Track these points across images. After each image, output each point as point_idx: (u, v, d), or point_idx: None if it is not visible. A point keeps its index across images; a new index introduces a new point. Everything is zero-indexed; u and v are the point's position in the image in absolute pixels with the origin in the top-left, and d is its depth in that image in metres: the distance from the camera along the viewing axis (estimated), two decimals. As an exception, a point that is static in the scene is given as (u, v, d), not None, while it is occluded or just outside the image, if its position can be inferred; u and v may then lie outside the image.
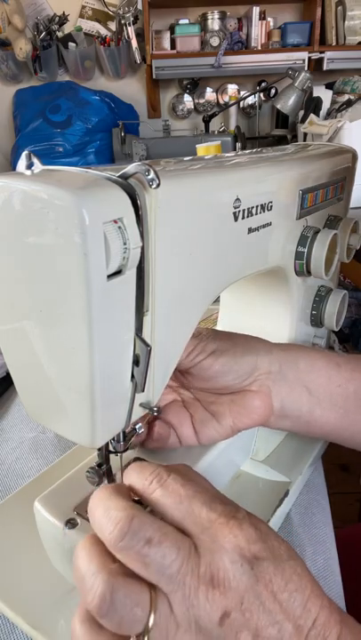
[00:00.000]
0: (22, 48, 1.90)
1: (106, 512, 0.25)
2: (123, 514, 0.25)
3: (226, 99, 2.18)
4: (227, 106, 2.06)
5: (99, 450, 0.34)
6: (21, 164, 0.27)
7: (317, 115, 1.66)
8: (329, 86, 1.85)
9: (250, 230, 0.35)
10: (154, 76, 1.95)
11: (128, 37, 1.94)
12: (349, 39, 1.91)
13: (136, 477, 0.28)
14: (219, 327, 0.54)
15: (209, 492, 0.27)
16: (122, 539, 0.24)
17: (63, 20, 1.97)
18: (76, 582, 0.25)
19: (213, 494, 0.27)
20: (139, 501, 0.28)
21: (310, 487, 0.47)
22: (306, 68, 1.88)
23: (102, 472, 0.34)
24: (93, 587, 0.24)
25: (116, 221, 0.23)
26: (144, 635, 0.23)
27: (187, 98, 2.18)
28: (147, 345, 0.27)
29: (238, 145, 1.75)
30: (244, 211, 0.33)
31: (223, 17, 1.95)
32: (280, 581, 0.25)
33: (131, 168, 0.24)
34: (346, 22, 1.87)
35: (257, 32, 1.96)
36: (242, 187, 0.33)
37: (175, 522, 0.26)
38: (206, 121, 1.92)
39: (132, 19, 1.90)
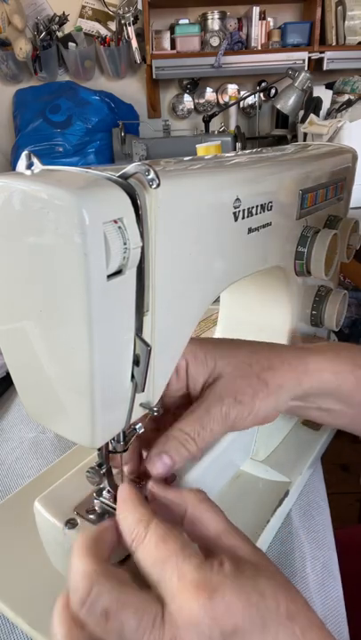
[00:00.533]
0: (22, 48, 1.90)
1: (73, 574, 0.25)
2: (82, 583, 0.24)
3: (226, 99, 2.18)
4: (227, 106, 2.06)
5: (99, 450, 0.34)
6: (21, 163, 0.27)
7: (317, 115, 1.66)
8: (329, 86, 1.85)
9: (250, 230, 0.35)
10: (154, 76, 1.95)
11: (128, 37, 1.94)
12: (349, 39, 1.91)
13: (124, 525, 0.27)
14: (219, 327, 0.54)
15: (188, 550, 0.25)
16: (82, 608, 0.24)
17: (63, 19, 1.97)
18: None
19: (195, 551, 0.25)
20: None
21: (310, 487, 0.47)
22: (306, 68, 1.88)
23: (102, 472, 0.34)
24: None
25: (116, 221, 0.23)
26: None
27: (187, 98, 2.18)
28: (147, 345, 0.27)
29: (238, 145, 1.75)
30: (244, 211, 0.33)
31: (223, 17, 1.95)
32: None
33: (131, 168, 0.24)
34: (346, 22, 1.87)
35: (257, 32, 1.96)
36: (242, 187, 0.33)
37: (153, 585, 0.25)
38: (206, 121, 1.92)
39: (132, 19, 1.90)
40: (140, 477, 0.36)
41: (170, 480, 0.37)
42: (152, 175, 0.24)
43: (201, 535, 0.27)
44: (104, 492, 0.34)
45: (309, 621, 0.25)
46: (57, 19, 1.96)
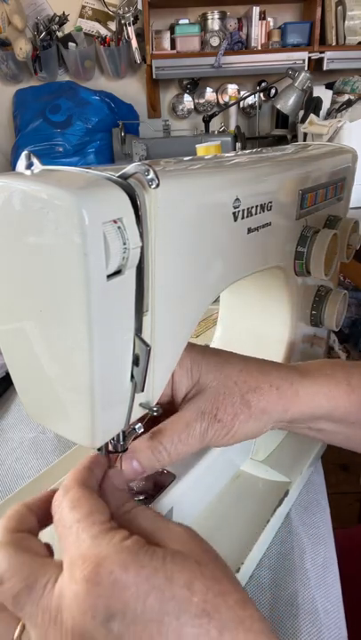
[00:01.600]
0: (22, 48, 1.90)
1: None
2: None
3: (226, 99, 2.18)
4: (227, 106, 2.06)
5: (99, 450, 0.34)
6: (21, 163, 0.27)
7: (317, 115, 1.67)
8: (329, 86, 1.85)
9: (249, 230, 0.35)
10: (154, 76, 1.95)
11: (128, 37, 1.94)
12: (349, 39, 1.91)
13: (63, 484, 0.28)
14: (218, 327, 0.54)
15: (93, 517, 0.25)
16: None
17: (63, 19, 1.97)
18: None
19: (101, 520, 0.25)
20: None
21: (310, 487, 0.47)
22: (306, 68, 1.88)
23: (102, 472, 0.34)
24: None
25: (115, 221, 0.23)
26: None
27: (187, 98, 2.18)
28: (147, 345, 0.27)
29: (238, 145, 1.75)
30: (243, 211, 0.33)
31: (223, 17, 1.95)
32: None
33: (130, 168, 0.24)
34: (346, 22, 1.87)
35: (257, 32, 1.96)
36: (242, 187, 0.33)
37: (60, 544, 0.25)
38: (206, 121, 1.92)
39: (132, 19, 1.90)
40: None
41: (168, 480, 0.37)
42: (152, 175, 0.24)
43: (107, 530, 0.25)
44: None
45: (236, 621, 0.22)
46: (57, 19, 1.96)
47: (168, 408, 0.36)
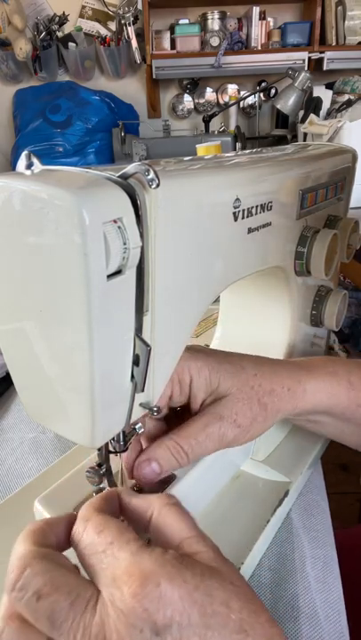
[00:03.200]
0: (22, 48, 1.90)
1: (11, 557, 0.24)
2: (17, 563, 0.23)
3: (226, 99, 2.18)
4: (227, 106, 2.06)
5: (99, 450, 0.34)
6: (21, 163, 0.27)
7: (317, 115, 1.66)
8: (329, 86, 1.85)
9: (250, 230, 0.35)
10: (154, 76, 1.95)
11: (128, 37, 1.94)
12: (349, 39, 1.91)
13: (82, 510, 0.26)
14: (219, 327, 0.54)
15: (126, 536, 0.24)
16: (14, 589, 0.23)
17: (63, 19, 1.97)
18: None
19: (134, 537, 0.24)
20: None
21: (310, 487, 0.47)
22: (306, 68, 1.88)
23: (102, 472, 0.34)
24: None
25: (115, 221, 0.23)
26: None
27: (187, 98, 2.18)
28: (147, 345, 0.27)
29: (238, 145, 1.75)
30: (243, 211, 0.33)
31: (223, 17, 1.95)
32: None
33: (131, 168, 0.24)
34: (346, 22, 1.87)
35: (257, 32, 1.96)
36: (242, 187, 0.33)
37: (89, 567, 0.24)
38: (206, 121, 1.92)
39: (132, 19, 1.90)
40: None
41: (168, 480, 0.37)
42: (152, 175, 0.24)
43: (164, 541, 0.25)
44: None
45: (267, 637, 0.22)
46: (57, 19, 1.96)
47: (182, 410, 0.37)
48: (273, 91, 2.07)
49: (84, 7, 2.04)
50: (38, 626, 0.22)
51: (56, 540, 0.26)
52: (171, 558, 0.23)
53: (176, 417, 0.37)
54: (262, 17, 1.96)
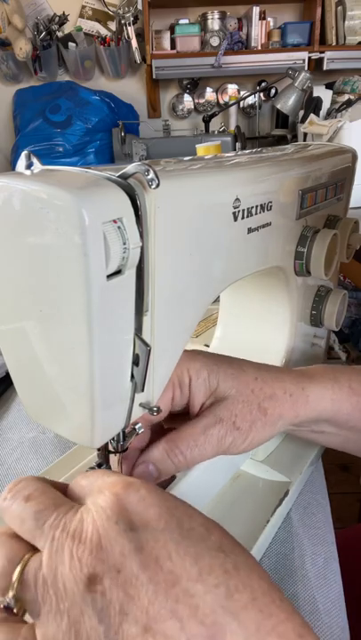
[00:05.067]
0: (22, 48, 1.90)
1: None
2: (10, 484, 0.25)
3: (226, 99, 2.18)
4: (227, 106, 2.06)
5: (98, 450, 0.34)
6: (21, 163, 0.27)
7: (317, 115, 1.67)
8: (329, 86, 1.85)
9: (249, 230, 0.35)
10: (154, 76, 1.95)
11: (128, 37, 1.94)
12: (349, 39, 1.91)
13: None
14: (219, 327, 0.54)
15: (112, 472, 0.26)
16: (6, 497, 0.24)
17: (63, 19, 1.97)
18: None
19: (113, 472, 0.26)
20: None
21: (310, 487, 0.47)
22: (306, 68, 1.88)
23: (102, 472, 0.34)
24: None
25: (115, 221, 0.23)
26: (9, 589, 0.22)
27: (187, 98, 2.18)
28: (147, 345, 0.27)
29: (238, 145, 1.75)
30: (243, 211, 0.33)
31: (223, 17, 1.95)
32: (189, 568, 0.20)
33: (130, 168, 0.24)
34: (346, 22, 1.87)
35: (257, 32, 1.96)
36: (242, 187, 0.33)
37: (75, 497, 0.25)
38: (206, 121, 1.92)
39: (132, 19, 1.90)
40: None
41: (168, 480, 0.37)
42: (152, 175, 0.24)
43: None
44: None
45: (250, 565, 0.22)
46: (57, 19, 1.96)
47: (181, 412, 0.37)
48: (273, 91, 2.07)
49: (84, 7, 2.04)
50: (23, 527, 0.23)
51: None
52: (153, 487, 0.24)
53: (174, 422, 0.37)
54: (262, 17, 1.97)
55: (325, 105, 1.77)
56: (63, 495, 0.25)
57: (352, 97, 1.73)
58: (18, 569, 0.22)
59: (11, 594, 0.22)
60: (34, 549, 0.23)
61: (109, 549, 0.21)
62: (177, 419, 0.36)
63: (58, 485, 0.27)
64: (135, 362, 0.27)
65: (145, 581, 0.20)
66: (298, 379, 0.38)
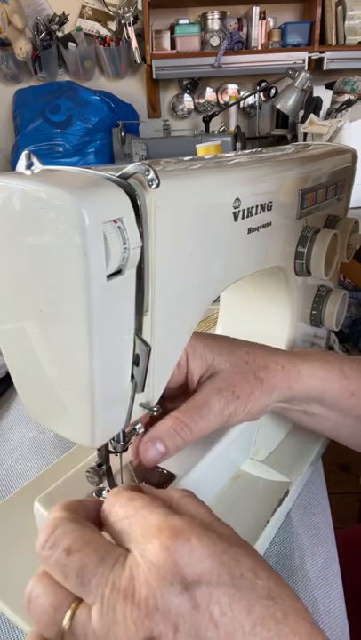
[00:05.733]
0: (22, 48, 1.90)
1: (43, 522, 0.25)
2: (48, 524, 0.24)
3: (226, 99, 2.18)
4: (227, 106, 2.06)
5: (99, 450, 0.34)
6: (21, 163, 0.27)
7: (317, 115, 1.67)
8: (329, 86, 1.85)
9: (250, 230, 0.35)
10: (154, 76, 1.95)
11: (128, 37, 1.94)
12: (349, 39, 1.91)
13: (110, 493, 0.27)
14: (218, 327, 0.54)
15: (156, 503, 0.25)
16: (45, 546, 0.23)
17: (63, 19, 1.97)
18: None
19: (162, 505, 0.25)
20: None
21: (310, 487, 0.47)
22: (306, 68, 1.88)
23: (102, 472, 0.34)
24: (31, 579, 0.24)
25: (115, 221, 0.23)
26: (57, 638, 0.22)
27: (187, 98, 2.18)
28: (147, 345, 0.27)
29: (238, 145, 1.75)
30: (243, 211, 0.33)
31: (223, 17, 1.95)
32: (241, 619, 0.21)
33: (131, 168, 0.24)
34: (346, 22, 1.87)
35: (257, 32, 1.96)
36: (242, 187, 0.33)
37: (118, 532, 0.24)
38: (206, 121, 1.92)
39: (132, 19, 1.90)
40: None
41: (168, 480, 0.37)
42: (152, 175, 0.24)
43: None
44: (104, 492, 0.34)
45: (295, 609, 0.22)
46: (57, 19, 1.96)
47: (180, 393, 0.37)
48: (273, 91, 2.07)
49: (84, 7, 2.04)
50: (68, 583, 0.22)
51: (85, 513, 0.26)
52: (199, 522, 0.24)
53: (175, 403, 0.37)
54: (262, 17, 1.96)
55: (325, 105, 1.77)
56: (105, 539, 0.24)
57: (352, 97, 1.73)
58: (67, 616, 0.22)
59: None
60: (78, 598, 0.22)
61: (166, 611, 0.21)
62: (178, 400, 0.36)
63: (88, 505, 0.26)
64: (135, 362, 0.27)
65: (204, 631, 0.20)
66: (289, 355, 0.40)
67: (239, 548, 0.23)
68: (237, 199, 0.32)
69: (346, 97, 1.74)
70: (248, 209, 0.34)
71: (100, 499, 0.28)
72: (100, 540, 0.23)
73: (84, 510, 0.26)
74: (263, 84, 2.08)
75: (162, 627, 0.20)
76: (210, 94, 2.19)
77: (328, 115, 1.76)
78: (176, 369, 0.36)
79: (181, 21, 1.98)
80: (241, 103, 2.13)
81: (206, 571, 0.22)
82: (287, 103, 1.65)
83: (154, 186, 0.24)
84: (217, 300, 0.50)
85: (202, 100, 2.19)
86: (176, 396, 0.38)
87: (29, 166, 0.27)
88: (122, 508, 0.25)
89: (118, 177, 0.24)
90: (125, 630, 0.20)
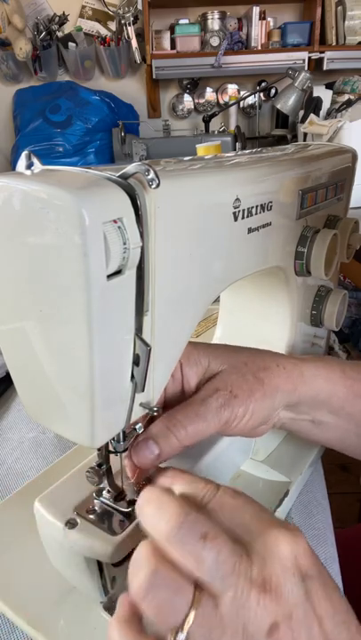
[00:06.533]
0: (22, 48, 1.90)
1: (159, 508, 0.25)
2: (179, 509, 0.24)
3: (226, 99, 2.18)
4: (227, 106, 2.06)
5: (99, 450, 0.34)
6: (21, 163, 0.27)
7: (317, 115, 1.67)
8: (329, 86, 1.85)
9: (250, 230, 0.35)
10: (154, 76, 1.95)
11: (128, 37, 1.94)
12: (349, 39, 1.91)
13: (188, 487, 0.27)
14: (218, 327, 0.54)
15: (258, 505, 0.26)
16: (178, 531, 0.23)
17: (63, 19, 1.97)
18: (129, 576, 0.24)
19: (263, 508, 0.27)
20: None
21: (310, 487, 0.47)
22: (306, 68, 1.88)
23: (102, 472, 0.34)
24: (140, 570, 0.23)
25: (115, 221, 0.23)
26: (180, 629, 0.22)
27: (187, 98, 2.18)
28: (147, 345, 0.27)
29: (238, 145, 1.75)
30: (243, 211, 0.33)
31: (223, 17, 1.95)
32: (329, 608, 0.23)
33: (131, 168, 0.24)
34: (346, 22, 1.87)
35: (257, 32, 1.96)
36: (242, 187, 0.33)
37: (228, 525, 0.25)
38: (206, 121, 1.92)
39: (132, 19, 1.90)
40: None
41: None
42: (152, 175, 0.24)
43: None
44: (104, 492, 0.34)
45: (341, 600, 0.25)
46: (57, 19, 1.96)
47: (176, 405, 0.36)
48: (273, 91, 2.07)
49: (84, 7, 2.04)
50: (202, 568, 0.23)
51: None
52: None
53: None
54: (262, 17, 1.97)
55: (325, 105, 1.77)
56: (225, 532, 0.24)
57: (352, 97, 1.73)
58: (192, 612, 0.22)
59: (184, 634, 0.22)
60: (197, 585, 0.23)
61: (287, 598, 0.23)
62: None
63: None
64: (135, 362, 0.27)
65: (306, 625, 0.23)
66: (290, 358, 0.39)
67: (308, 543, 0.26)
68: (237, 199, 0.32)
69: (346, 97, 1.74)
70: (248, 209, 0.34)
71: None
72: (222, 529, 0.24)
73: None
74: (263, 84, 2.08)
75: (284, 613, 0.23)
76: (210, 94, 2.19)
77: (328, 115, 1.76)
78: (170, 380, 0.34)
79: (181, 21, 1.98)
80: (241, 103, 2.13)
81: (311, 566, 0.24)
82: (287, 103, 1.65)
83: (154, 186, 0.24)
84: (217, 300, 0.50)
85: (202, 100, 2.19)
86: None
87: (29, 166, 0.27)
88: (228, 505, 0.26)
89: (118, 177, 0.24)
90: (255, 615, 0.22)
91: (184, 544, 0.23)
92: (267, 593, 0.23)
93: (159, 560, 0.23)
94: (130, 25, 1.91)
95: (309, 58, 1.92)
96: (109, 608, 0.35)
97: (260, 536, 0.24)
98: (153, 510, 0.25)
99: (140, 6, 1.90)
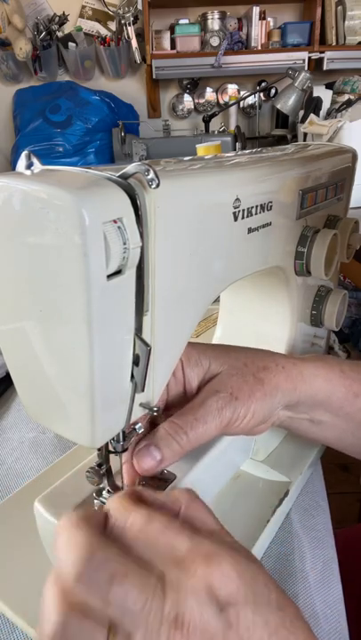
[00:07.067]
0: (22, 48, 1.90)
1: (67, 543, 0.24)
2: (87, 547, 0.23)
3: (226, 99, 2.18)
4: (227, 106, 2.06)
5: (99, 450, 0.34)
6: (21, 163, 0.27)
7: (317, 115, 1.67)
8: (329, 86, 1.85)
9: (250, 230, 0.35)
10: (154, 76, 1.95)
11: (128, 37, 1.94)
12: (349, 39, 1.91)
13: (115, 511, 0.26)
14: (218, 327, 0.54)
15: (175, 525, 0.25)
16: (84, 573, 0.23)
17: (63, 19, 1.97)
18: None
19: (195, 528, 0.26)
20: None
21: (310, 487, 0.47)
22: (306, 68, 1.88)
23: (102, 472, 0.34)
24: (49, 623, 0.23)
25: (115, 221, 0.23)
26: None
27: (187, 98, 2.18)
28: (147, 345, 0.27)
29: (238, 145, 1.75)
30: (243, 211, 0.33)
31: (223, 17, 1.96)
32: (262, 631, 0.23)
33: (131, 168, 0.24)
34: (346, 22, 1.87)
35: (257, 32, 1.96)
36: (242, 187, 0.33)
37: (142, 555, 0.24)
38: (206, 121, 1.92)
39: (132, 19, 1.90)
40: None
41: (169, 480, 0.36)
42: (152, 175, 0.24)
43: (198, 532, 0.26)
44: (104, 492, 0.34)
45: (299, 615, 0.25)
46: (57, 19, 1.96)
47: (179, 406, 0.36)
48: (273, 91, 2.07)
49: (84, 7, 2.04)
50: (107, 610, 0.23)
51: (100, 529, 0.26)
52: (222, 543, 0.25)
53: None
54: (262, 17, 1.97)
55: (325, 105, 1.77)
56: (134, 560, 0.24)
57: (352, 97, 1.73)
58: None
59: None
60: (107, 629, 0.23)
61: (204, 632, 0.22)
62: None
63: (97, 518, 0.26)
64: (135, 362, 0.27)
65: None
66: (289, 358, 0.39)
67: (253, 564, 0.25)
68: (237, 199, 0.32)
69: (346, 97, 1.74)
70: (248, 209, 0.34)
71: (105, 510, 0.27)
72: (137, 566, 0.24)
73: (98, 525, 0.26)
74: (263, 84, 2.09)
75: None
76: (210, 94, 2.19)
77: (328, 115, 1.76)
78: (172, 379, 0.35)
79: (181, 21, 1.98)
80: (241, 103, 2.13)
81: (235, 591, 0.23)
82: (287, 103, 1.65)
83: (154, 186, 0.24)
84: (217, 300, 0.50)
85: (202, 100, 2.19)
86: (179, 407, 0.36)
87: (29, 166, 0.27)
88: (141, 532, 0.25)
89: (118, 177, 0.24)
90: None
91: (90, 587, 0.23)
92: (178, 629, 0.22)
93: (68, 608, 0.23)
94: (130, 25, 1.91)
95: (309, 58, 1.92)
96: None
97: (175, 566, 0.24)
98: (62, 544, 0.24)
99: (140, 6, 1.90)
